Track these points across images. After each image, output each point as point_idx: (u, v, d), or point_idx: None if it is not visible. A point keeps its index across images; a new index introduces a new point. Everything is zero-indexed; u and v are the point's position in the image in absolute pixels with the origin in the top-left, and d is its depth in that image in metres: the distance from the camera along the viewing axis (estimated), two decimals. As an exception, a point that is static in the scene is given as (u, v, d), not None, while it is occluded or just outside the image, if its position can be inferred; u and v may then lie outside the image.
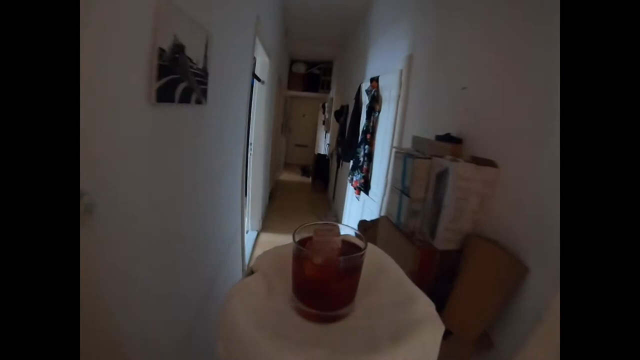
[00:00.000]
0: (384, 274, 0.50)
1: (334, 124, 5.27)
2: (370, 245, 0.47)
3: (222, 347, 0.39)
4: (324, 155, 6.28)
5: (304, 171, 7.60)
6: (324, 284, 0.42)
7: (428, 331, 0.39)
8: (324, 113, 6.99)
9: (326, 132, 6.49)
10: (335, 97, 5.79)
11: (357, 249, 0.44)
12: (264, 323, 0.39)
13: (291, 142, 8.88)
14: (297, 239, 0.43)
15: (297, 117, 8.75)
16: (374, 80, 2.51)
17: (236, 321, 0.39)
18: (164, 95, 0.88)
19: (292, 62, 7.45)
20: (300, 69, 7.47)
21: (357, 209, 3.05)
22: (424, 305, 0.43)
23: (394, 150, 1.78)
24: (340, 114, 4.45)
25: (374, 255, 0.52)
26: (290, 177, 7.57)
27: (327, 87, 7.37)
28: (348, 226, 0.47)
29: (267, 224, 4.31)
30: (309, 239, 0.44)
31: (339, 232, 0.45)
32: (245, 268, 2.57)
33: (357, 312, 0.43)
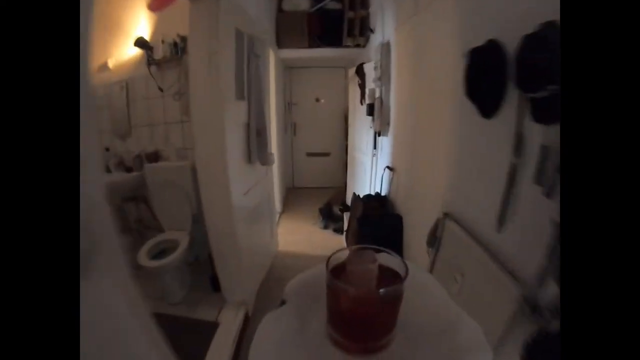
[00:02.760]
0: (426, 296, 0.47)
1: (429, 102, 1.37)
2: (410, 265, 0.42)
3: None
4: (382, 199, 2.36)
5: (327, 215, 3.69)
6: (361, 316, 0.40)
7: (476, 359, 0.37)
8: (362, 86, 3.04)
9: (378, 133, 2.54)
10: (417, 30, 1.87)
11: (396, 274, 0.41)
12: (297, 354, 0.38)
13: (298, 150, 5.01)
14: (330, 267, 0.41)
15: (304, 102, 4.82)
16: None
17: (269, 357, 0.38)
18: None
19: (281, -8, 3.57)
20: (300, 4, 3.56)
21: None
22: (471, 331, 0.41)
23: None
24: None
25: (415, 276, 0.44)
26: (299, 233, 3.69)
27: (362, 33, 3.43)
28: (384, 249, 0.43)
29: None
30: (343, 266, 0.41)
31: (375, 259, 0.41)
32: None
33: (398, 341, 0.41)
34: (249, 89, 1.75)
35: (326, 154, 5.00)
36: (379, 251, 0.43)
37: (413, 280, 0.41)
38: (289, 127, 4.82)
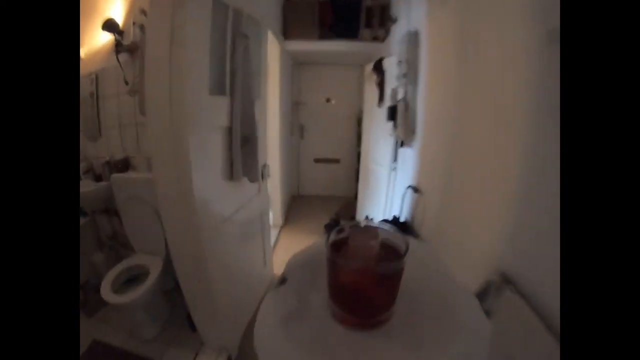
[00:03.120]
0: (426, 270, 0.47)
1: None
2: (412, 242, 0.43)
3: None
4: (402, 227, 1.87)
5: (334, 228, 3.22)
6: (361, 291, 0.40)
7: (474, 334, 0.38)
8: (381, 85, 2.55)
9: (400, 142, 2.05)
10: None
11: (397, 252, 0.41)
12: (299, 334, 0.38)
13: (305, 155, 4.55)
14: (330, 241, 0.41)
15: (313, 102, 4.36)
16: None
17: (270, 338, 0.38)
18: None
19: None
20: (312, -11, 3.16)
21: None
22: (469, 305, 0.42)
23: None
24: None
25: (416, 252, 0.45)
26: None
27: (382, 23, 2.97)
28: (388, 227, 0.44)
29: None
30: (345, 241, 0.42)
31: (378, 235, 0.42)
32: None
33: (398, 316, 0.41)
34: (233, 81, 1.29)
35: (336, 161, 4.53)
36: (381, 228, 0.43)
37: (416, 256, 0.41)
38: (296, 130, 4.37)
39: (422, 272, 0.45)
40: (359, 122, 4.12)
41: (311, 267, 0.47)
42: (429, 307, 0.41)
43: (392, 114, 2.03)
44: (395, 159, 2.24)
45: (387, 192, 2.45)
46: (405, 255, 0.38)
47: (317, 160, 4.54)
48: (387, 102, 2.21)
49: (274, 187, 3.44)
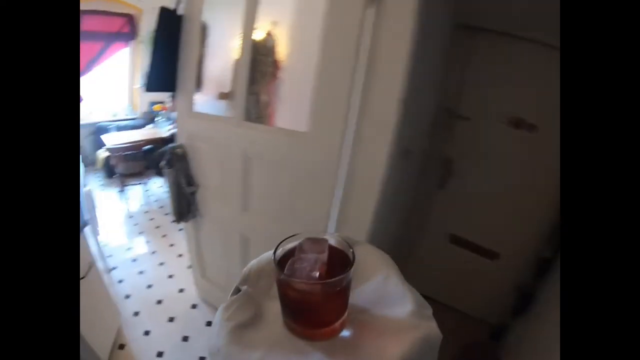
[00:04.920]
0: (378, 277, 0.48)
1: None
2: (362, 248, 0.46)
3: None
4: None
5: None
6: (309, 305, 0.41)
7: (424, 342, 0.38)
8: None
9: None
10: None
11: (347, 261, 0.41)
12: (254, 343, 0.39)
13: (437, 222, 2.30)
14: (279, 256, 0.42)
15: (485, 117, 2.06)
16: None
17: (224, 346, 0.39)
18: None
19: None
20: None
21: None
22: (419, 311, 0.42)
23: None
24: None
25: (367, 258, 0.49)
26: None
27: None
28: (339, 236, 0.45)
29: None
30: (294, 252, 0.42)
31: (326, 248, 0.43)
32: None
33: (351, 325, 0.42)
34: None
35: (491, 254, 2.11)
36: (331, 236, 0.43)
37: (368, 264, 0.45)
38: (433, 169, 2.23)
39: (375, 280, 0.45)
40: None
41: (268, 275, 0.46)
42: (381, 314, 0.41)
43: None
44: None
45: None
46: (350, 268, 0.39)
47: (455, 241, 2.25)
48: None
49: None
